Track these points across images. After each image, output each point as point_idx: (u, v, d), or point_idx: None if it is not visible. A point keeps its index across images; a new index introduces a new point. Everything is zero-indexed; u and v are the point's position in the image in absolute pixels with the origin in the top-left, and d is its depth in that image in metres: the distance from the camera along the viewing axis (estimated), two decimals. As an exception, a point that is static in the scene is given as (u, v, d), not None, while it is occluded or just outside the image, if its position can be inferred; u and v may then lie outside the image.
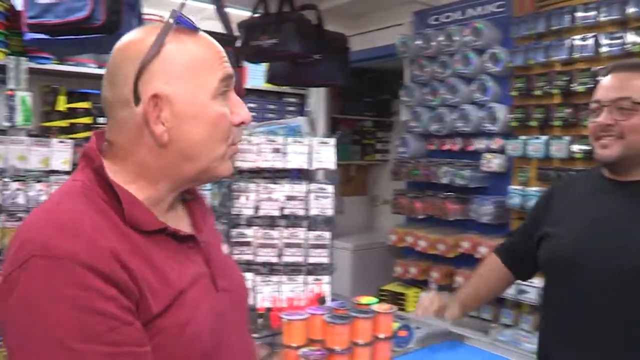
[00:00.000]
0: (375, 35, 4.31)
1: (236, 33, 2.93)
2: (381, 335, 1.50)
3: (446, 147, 3.62)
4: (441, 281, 3.58)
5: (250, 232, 1.73)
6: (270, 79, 3.63)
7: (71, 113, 3.76)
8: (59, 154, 2.47)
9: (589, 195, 1.76)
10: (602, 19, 2.84)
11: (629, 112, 1.57)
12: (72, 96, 3.79)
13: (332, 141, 1.81)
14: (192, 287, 0.98)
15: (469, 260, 3.40)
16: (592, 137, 1.66)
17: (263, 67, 4.18)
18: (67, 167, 2.49)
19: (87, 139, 3.57)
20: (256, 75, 4.49)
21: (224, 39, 2.77)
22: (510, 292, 2.95)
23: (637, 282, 1.54)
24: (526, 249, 1.90)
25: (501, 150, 3.30)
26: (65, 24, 1.97)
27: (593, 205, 1.71)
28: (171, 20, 0.98)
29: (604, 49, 2.82)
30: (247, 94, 4.66)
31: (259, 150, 1.74)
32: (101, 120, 3.92)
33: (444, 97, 3.52)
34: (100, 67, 3.79)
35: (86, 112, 3.82)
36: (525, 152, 3.11)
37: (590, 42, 2.87)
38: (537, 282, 2.90)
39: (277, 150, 1.75)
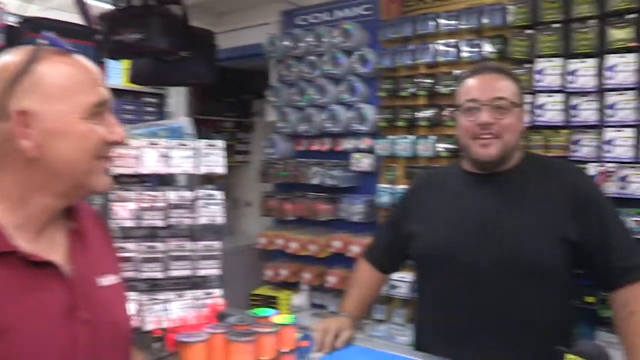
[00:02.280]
0: (241, 33, 4.19)
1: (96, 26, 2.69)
2: (285, 349, 1.42)
3: (315, 147, 3.62)
4: (313, 282, 3.57)
5: (131, 246, 1.56)
6: (134, 78, 3.37)
7: None
8: None
9: (455, 190, 1.82)
10: (462, 26, 2.99)
11: (505, 111, 1.65)
12: None
13: (220, 143, 1.69)
14: (33, 315, 0.96)
15: (340, 260, 3.43)
16: (468, 135, 1.70)
17: (119, 64, 3.92)
18: None
19: None
20: (112, 73, 4.18)
21: (83, 33, 2.55)
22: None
23: (509, 272, 1.61)
24: (393, 248, 1.95)
25: (370, 150, 3.36)
26: None
27: (461, 199, 1.77)
28: (43, 42, 1.04)
29: (464, 55, 2.98)
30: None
31: (139, 154, 1.57)
32: None
33: (312, 98, 3.51)
34: None
35: None
36: (394, 151, 3.20)
37: (452, 47, 3.00)
38: (408, 276, 2.98)
39: (160, 155, 1.59)
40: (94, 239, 1.16)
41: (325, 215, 3.49)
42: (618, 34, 2.51)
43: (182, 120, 1.77)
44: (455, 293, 1.69)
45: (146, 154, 1.57)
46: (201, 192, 1.64)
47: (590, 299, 2.47)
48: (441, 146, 3.04)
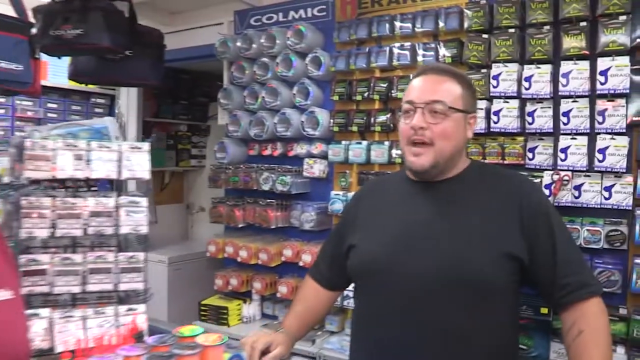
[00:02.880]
0: (193, 33, 4.06)
1: (32, 19, 2.52)
2: (209, 373, 1.30)
3: (267, 152, 3.50)
4: (264, 292, 3.44)
5: (45, 258, 1.41)
6: (73, 76, 3.20)
7: None
8: None
9: (395, 199, 1.71)
10: (418, 29, 2.91)
11: (441, 116, 1.55)
12: None
13: (146, 146, 1.55)
14: None
15: (292, 269, 3.32)
16: (404, 140, 1.61)
17: (67, 62, 3.74)
18: None
19: None
20: (59, 72, 4.00)
21: (15, 25, 2.38)
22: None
23: (446, 288, 1.49)
24: (337, 263, 1.82)
25: (323, 156, 3.25)
26: None
27: (400, 209, 1.67)
28: None
29: (420, 58, 2.90)
30: (48, 93, 4.15)
31: (55, 156, 1.43)
32: None
33: (265, 101, 3.39)
34: None
35: None
36: (347, 157, 3.10)
37: (408, 51, 2.92)
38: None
39: (79, 157, 1.45)
40: None
41: (276, 223, 3.37)
42: (572, 41, 2.47)
43: (107, 120, 1.63)
44: (389, 310, 1.56)
45: (61, 157, 1.43)
46: (124, 199, 1.50)
47: (544, 310, 2.42)
48: (396, 152, 2.95)
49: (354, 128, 3.09)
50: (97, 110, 4.46)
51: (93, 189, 1.71)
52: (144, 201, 1.51)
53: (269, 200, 3.41)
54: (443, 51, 2.82)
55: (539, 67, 2.54)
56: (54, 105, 4.13)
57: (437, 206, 1.60)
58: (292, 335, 1.78)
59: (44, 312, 1.38)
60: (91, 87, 4.31)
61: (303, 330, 1.87)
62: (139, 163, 1.51)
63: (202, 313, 3.58)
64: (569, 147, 2.49)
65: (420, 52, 2.90)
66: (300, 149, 3.32)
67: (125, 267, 1.50)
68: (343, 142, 3.12)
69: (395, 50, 2.97)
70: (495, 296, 1.52)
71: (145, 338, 1.41)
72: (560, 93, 2.50)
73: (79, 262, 1.45)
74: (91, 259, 1.46)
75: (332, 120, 3.17)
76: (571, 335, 1.49)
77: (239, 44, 3.52)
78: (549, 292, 1.55)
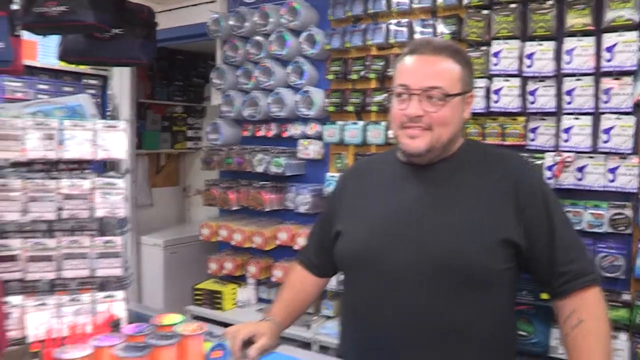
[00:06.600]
0: (186, 12, 3.94)
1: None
2: (189, 364, 1.22)
3: (261, 133, 3.40)
4: (259, 276, 3.37)
5: (16, 243, 1.33)
6: (62, 56, 3.12)
7: None
8: None
9: (383, 183, 1.61)
10: (415, 6, 2.81)
11: (440, 102, 1.44)
12: None
13: (123, 125, 1.46)
14: None
15: (287, 252, 3.25)
16: (396, 125, 1.50)
17: (56, 42, 3.64)
18: None
19: None
20: (49, 52, 3.89)
21: (-7, 0, 2.28)
22: (330, 283, 2.85)
23: (438, 278, 1.39)
24: (325, 248, 1.73)
25: (318, 136, 3.16)
26: None
27: (390, 193, 1.56)
28: None
29: (417, 36, 2.79)
30: (38, 74, 4.04)
31: (25, 136, 1.34)
32: None
33: (259, 80, 3.29)
34: None
35: None
36: (342, 137, 3.01)
37: (405, 27, 2.82)
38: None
39: (50, 137, 1.36)
40: None
41: (270, 206, 3.29)
42: (576, 16, 2.37)
43: (81, 98, 1.54)
44: (377, 303, 1.46)
45: (31, 136, 1.34)
46: (99, 181, 1.41)
47: (544, 296, 2.33)
48: (392, 133, 2.86)
49: (350, 108, 3.00)
50: (89, 91, 4.32)
51: (86, 170, 1.62)
52: (120, 182, 1.42)
53: (263, 183, 3.33)
54: (441, 28, 2.72)
55: (541, 44, 2.44)
56: (45, 87, 4.01)
57: (428, 190, 1.50)
58: (278, 323, 1.69)
59: (16, 299, 1.31)
60: (82, 68, 4.19)
61: (290, 318, 1.78)
62: (114, 143, 1.42)
63: (196, 297, 3.51)
64: (572, 127, 2.40)
65: (417, 29, 2.79)
66: (294, 130, 3.23)
67: (102, 252, 1.42)
68: (338, 123, 3.03)
69: (392, 27, 2.86)
70: (491, 287, 1.42)
71: (123, 326, 1.33)
72: (563, 71, 2.40)
73: (52, 248, 1.37)
74: (65, 244, 1.38)
75: (327, 100, 3.08)
76: (569, 324, 1.41)
77: (231, 22, 3.41)
78: (547, 280, 1.46)
